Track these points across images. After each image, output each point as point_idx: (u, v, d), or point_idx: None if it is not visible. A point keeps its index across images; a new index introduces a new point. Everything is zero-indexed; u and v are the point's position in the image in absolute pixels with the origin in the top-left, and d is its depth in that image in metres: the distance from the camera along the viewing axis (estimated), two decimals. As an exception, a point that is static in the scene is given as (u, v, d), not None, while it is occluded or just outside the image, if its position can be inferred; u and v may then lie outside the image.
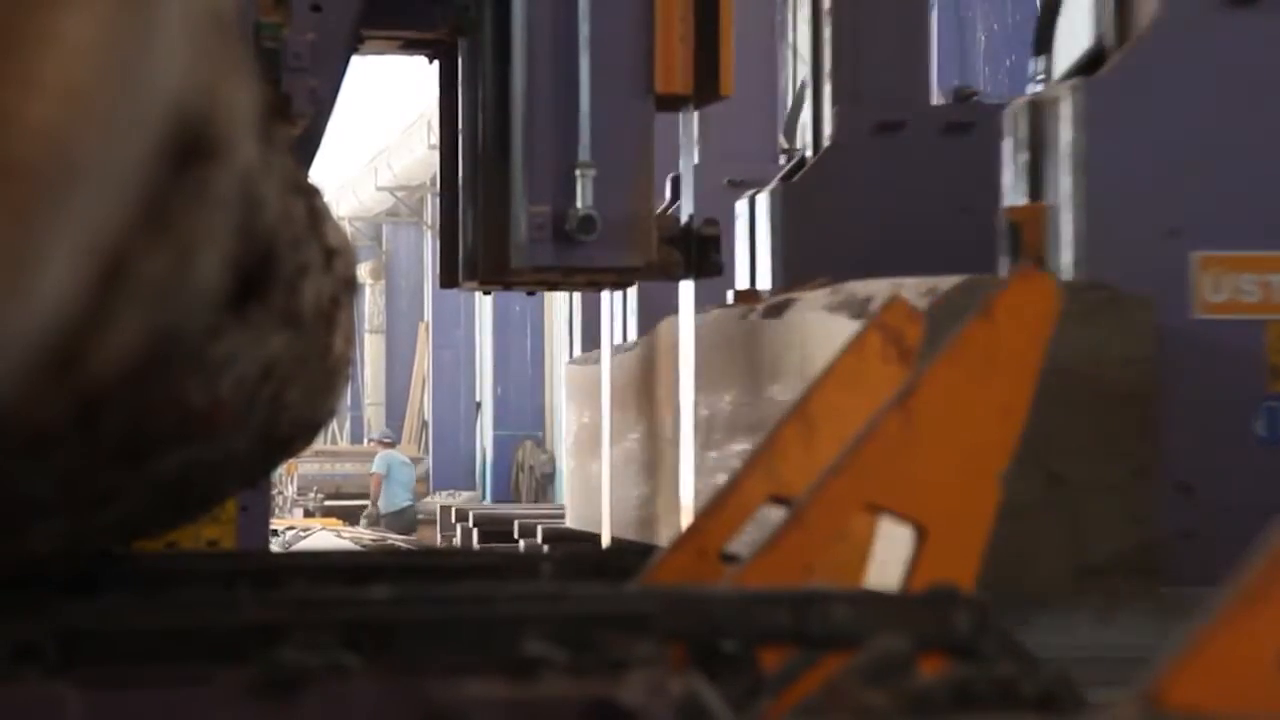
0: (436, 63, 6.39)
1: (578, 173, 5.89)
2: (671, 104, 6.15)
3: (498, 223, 6.04)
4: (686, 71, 6.03)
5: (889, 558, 2.02)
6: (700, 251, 6.17)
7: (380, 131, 28.71)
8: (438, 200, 7.65)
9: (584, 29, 5.91)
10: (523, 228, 5.92)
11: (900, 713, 1.44)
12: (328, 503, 25.84)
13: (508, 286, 6.47)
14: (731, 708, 1.51)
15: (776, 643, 1.71)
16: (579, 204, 5.86)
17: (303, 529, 20.31)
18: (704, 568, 2.17)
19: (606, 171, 5.92)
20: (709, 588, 1.89)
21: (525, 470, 25.01)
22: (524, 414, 25.47)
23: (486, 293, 7.03)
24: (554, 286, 6.56)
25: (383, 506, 25.11)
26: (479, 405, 27.21)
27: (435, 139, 8.39)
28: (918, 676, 1.53)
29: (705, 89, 6.09)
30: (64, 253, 0.89)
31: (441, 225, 6.54)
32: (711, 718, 1.42)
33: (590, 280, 6.27)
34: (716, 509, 2.25)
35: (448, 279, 6.43)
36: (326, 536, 19.20)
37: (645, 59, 5.98)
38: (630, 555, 2.40)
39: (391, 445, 26.73)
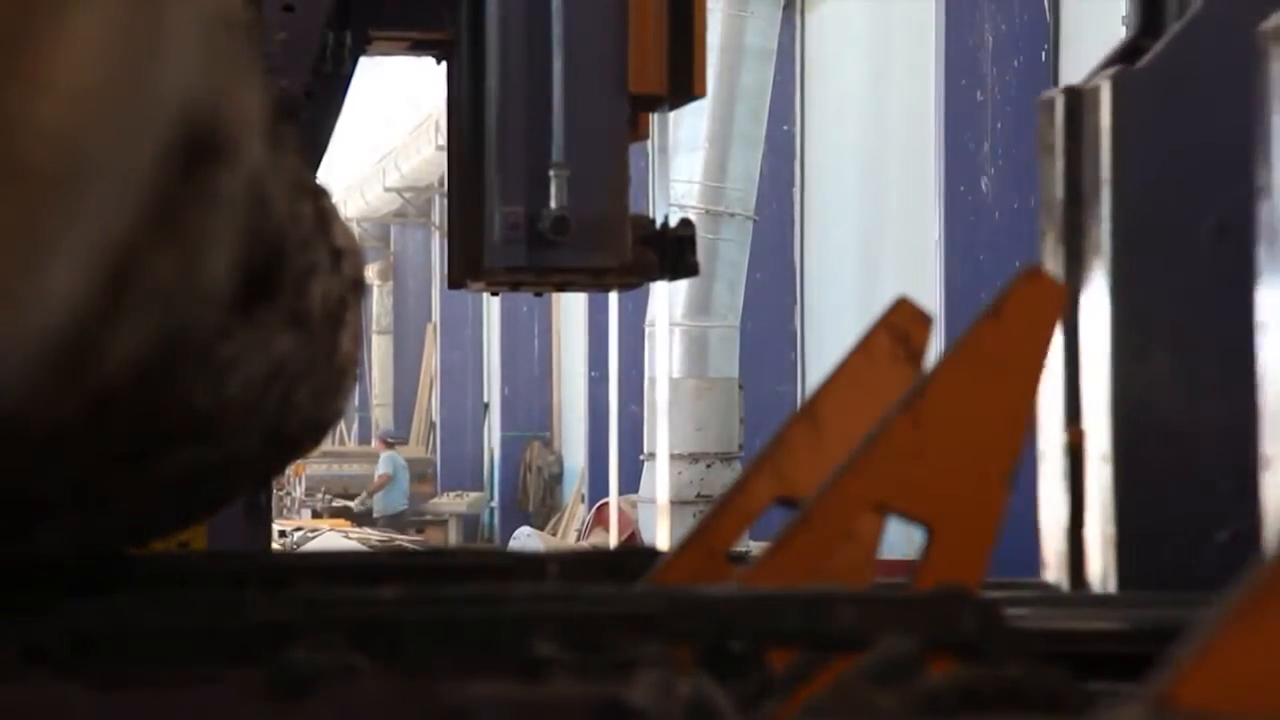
0: (444, 63, 6.40)
1: (551, 173, 5.89)
2: (646, 104, 6.15)
3: (473, 222, 6.05)
4: (661, 71, 6.03)
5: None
6: (676, 252, 6.17)
7: (388, 133, 28.74)
8: (445, 201, 7.66)
9: (557, 28, 5.91)
10: (496, 228, 5.93)
11: (908, 713, 1.44)
12: (336, 503, 25.88)
13: (488, 287, 6.48)
14: (740, 708, 1.51)
15: (785, 643, 1.71)
16: (552, 204, 5.87)
17: (311, 530, 20.33)
18: (711, 568, 2.17)
19: (580, 172, 5.93)
20: (717, 588, 1.90)
21: (533, 471, 25.04)
22: (532, 414, 25.50)
23: (494, 294, 7.04)
24: (530, 287, 6.56)
25: (379, 509, 25.15)
26: (486, 406, 27.25)
27: (443, 140, 8.41)
28: (926, 677, 1.53)
29: (679, 89, 6.10)
30: (73, 253, 0.89)
31: (449, 226, 6.55)
32: (720, 718, 1.42)
33: (564, 281, 6.28)
34: (724, 509, 2.25)
35: (455, 280, 6.44)
36: (334, 537, 19.22)
37: (619, 59, 5.99)
38: (637, 556, 2.40)
39: (392, 445, 26.75)
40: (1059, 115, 5.05)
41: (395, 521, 24.62)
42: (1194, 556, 4.17)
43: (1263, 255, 4.03)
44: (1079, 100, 5.00)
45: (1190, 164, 4.67)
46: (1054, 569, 4.22)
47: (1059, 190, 4.95)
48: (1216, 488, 4.20)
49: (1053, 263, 4.81)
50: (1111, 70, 4.97)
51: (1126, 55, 5.05)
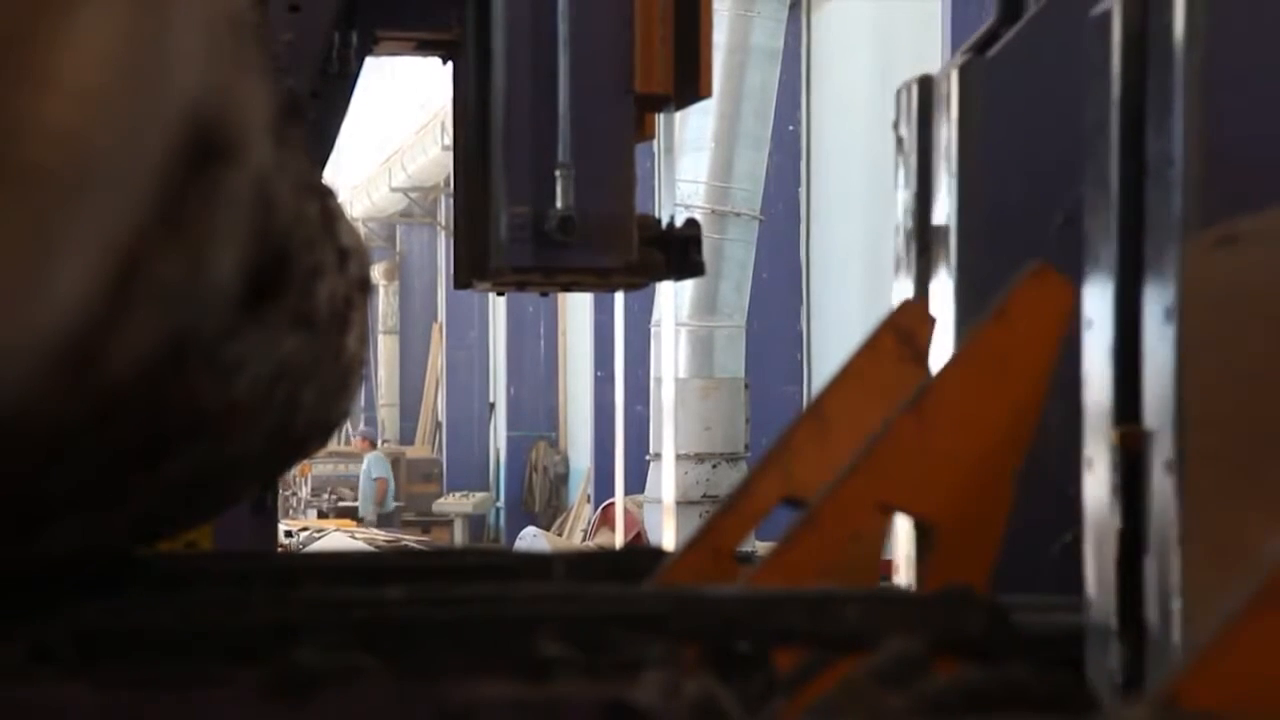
0: (450, 63, 6.40)
1: (557, 173, 5.89)
2: (652, 104, 6.15)
3: (479, 222, 6.06)
4: (667, 71, 6.03)
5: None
6: (682, 252, 6.17)
7: (395, 132, 28.75)
8: (451, 201, 7.66)
9: (563, 29, 5.91)
10: (503, 228, 5.93)
11: (914, 713, 1.44)
12: (341, 504, 25.86)
13: (494, 287, 6.47)
14: (745, 708, 1.51)
15: (790, 643, 1.71)
16: (558, 204, 5.86)
17: (316, 530, 20.32)
18: (718, 568, 2.17)
19: (586, 172, 5.92)
20: (723, 588, 1.90)
21: (539, 471, 25.04)
22: (537, 414, 25.50)
23: (500, 294, 7.04)
24: (536, 287, 6.56)
25: (363, 510, 25.12)
26: (492, 406, 27.25)
27: (449, 140, 8.41)
28: (932, 677, 1.53)
29: (685, 89, 6.10)
30: (80, 254, 0.89)
31: (455, 226, 6.55)
32: (726, 718, 1.42)
33: (570, 281, 6.27)
34: (730, 509, 2.25)
35: (461, 280, 6.44)
36: (340, 538, 19.21)
37: (625, 59, 5.99)
38: (643, 556, 2.40)
39: (375, 446, 26.73)
40: (913, 104, 4.78)
41: (388, 520, 24.60)
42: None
43: (1089, 251, 3.61)
44: (930, 89, 4.68)
45: (1037, 154, 4.34)
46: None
47: (912, 181, 4.71)
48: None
49: (905, 258, 4.59)
50: (962, 58, 4.70)
51: (984, 43, 4.74)
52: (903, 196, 4.74)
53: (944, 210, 4.49)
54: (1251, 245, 1.90)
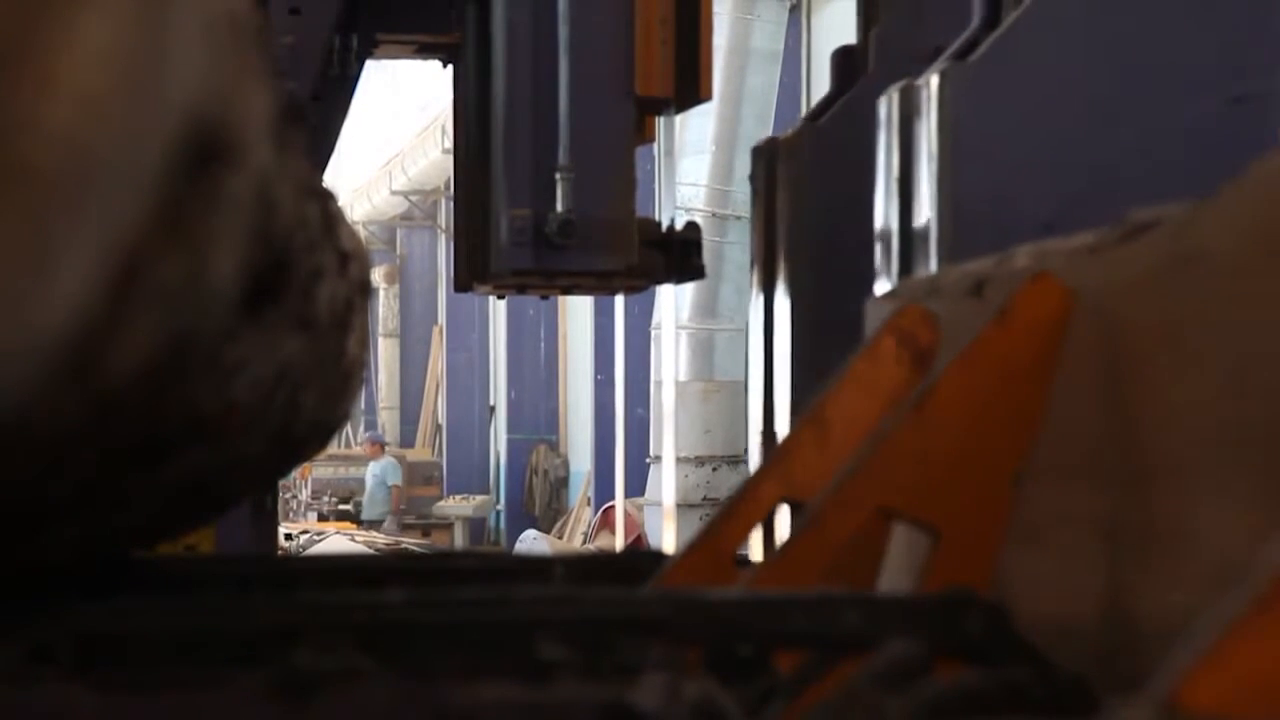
0: (451, 66, 6.40)
1: (557, 176, 5.90)
2: (652, 107, 6.17)
3: (479, 225, 6.07)
4: (667, 74, 6.06)
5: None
6: (682, 255, 6.19)
7: (395, 136, 28.75)
8: (452, 204, 7.66)
9: (564, 32, 5.92)
10: (503, 231, 5.94)
11: (914, 716, 1.44)
12: (341, 506, 25.84)
13: (494, 290, 6.48)
14: (746, 712, 1.51)
15: (791, 646, 1.71)
16: (559, 207, 5.88)
17: (317, 533, 20.32)
18: (718, 571, 2.17)
19: (586, 175, 5.94)
20: (723, 591, 1.89)
21: (539, 474, 25.04)
22: (538, 417, 25.50)
23: (500, 296, 7.04)
24: (536, 290, 6.57)
25: (367, 514, 25.06)
26: (493, 409, 27.25)
27: (449, 143, 8.41)
28: (932, 680, 1.53)
29: (685, 92, 6.12)
30: (80, 257, 0.89)
31: (455, 229, 6.55)
32: (726, 721, 1.42)
33: (571, 284, 6.29)
34: (730, 512, 2.24)
35: (462, 283, 6.45)
36: (340, 540, 19.21)
37: (625, 62, 6.00)
38: (643, 559, 2.40)
39: (384, 448, 26.66)
40: (762, 161, 5.87)
41: (389, 524, 24.57)
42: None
43: (876, 286, 4.74)
44: (775, 148, 5.96)
45: (857, 205, 5.27)
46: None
47: (761, 224, 5.88)
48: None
49: (756, 284, 5.90)
50: (799, 125, 5.93)
51: (820, 110, 5.98)
52: (753, 236, 5.96)
53: (782, 246, 5.77)
54: (907, 298, 2.22)
